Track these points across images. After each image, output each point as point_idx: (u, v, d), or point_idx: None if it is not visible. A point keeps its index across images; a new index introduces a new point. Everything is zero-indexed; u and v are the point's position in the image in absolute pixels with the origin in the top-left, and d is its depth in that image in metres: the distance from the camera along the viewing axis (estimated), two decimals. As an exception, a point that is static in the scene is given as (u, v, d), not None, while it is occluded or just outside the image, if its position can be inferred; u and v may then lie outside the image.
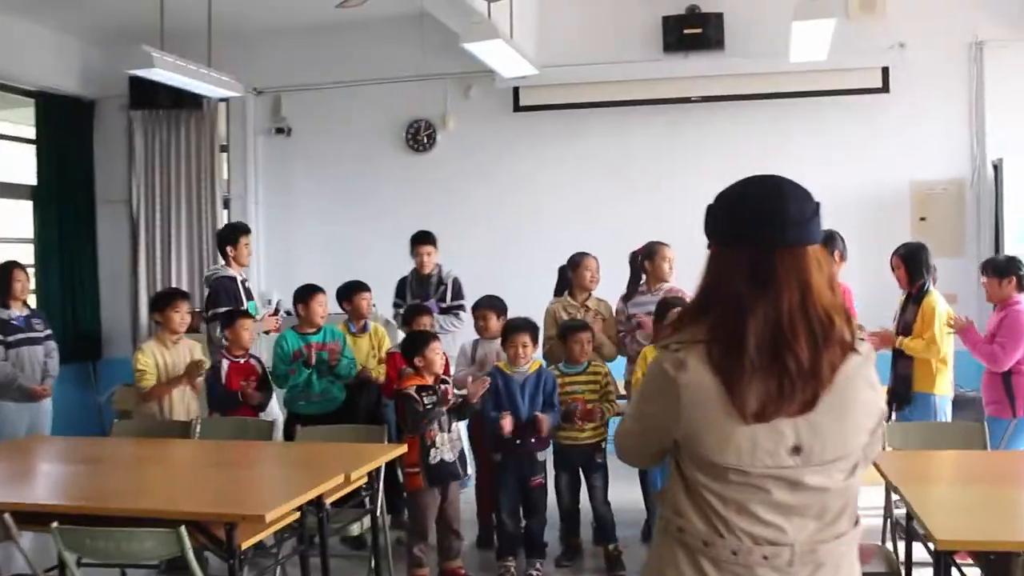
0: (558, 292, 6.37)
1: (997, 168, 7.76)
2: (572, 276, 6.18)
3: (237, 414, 5.66)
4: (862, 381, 2.07)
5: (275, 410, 6.11)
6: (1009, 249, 7.60)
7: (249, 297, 6.71)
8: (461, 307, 6.82)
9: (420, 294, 6.83)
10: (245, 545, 3.61)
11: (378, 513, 4.81)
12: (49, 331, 6.69)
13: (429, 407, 5.10)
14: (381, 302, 7.11)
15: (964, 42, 8.03)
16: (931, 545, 3.25)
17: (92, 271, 9.53)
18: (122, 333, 9.44)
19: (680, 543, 2.11)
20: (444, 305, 6.75)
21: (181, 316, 5.81)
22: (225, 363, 5.86)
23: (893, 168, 8.10)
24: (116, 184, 9.43)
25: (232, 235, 6.80)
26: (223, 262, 6.80)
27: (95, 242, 9.56)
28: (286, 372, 5.95)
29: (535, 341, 5.56)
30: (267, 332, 6.60)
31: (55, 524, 3.40)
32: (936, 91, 8.05)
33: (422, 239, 6.90)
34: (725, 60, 8.16)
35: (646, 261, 6.15)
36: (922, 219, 8.07)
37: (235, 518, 3.53)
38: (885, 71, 7.95)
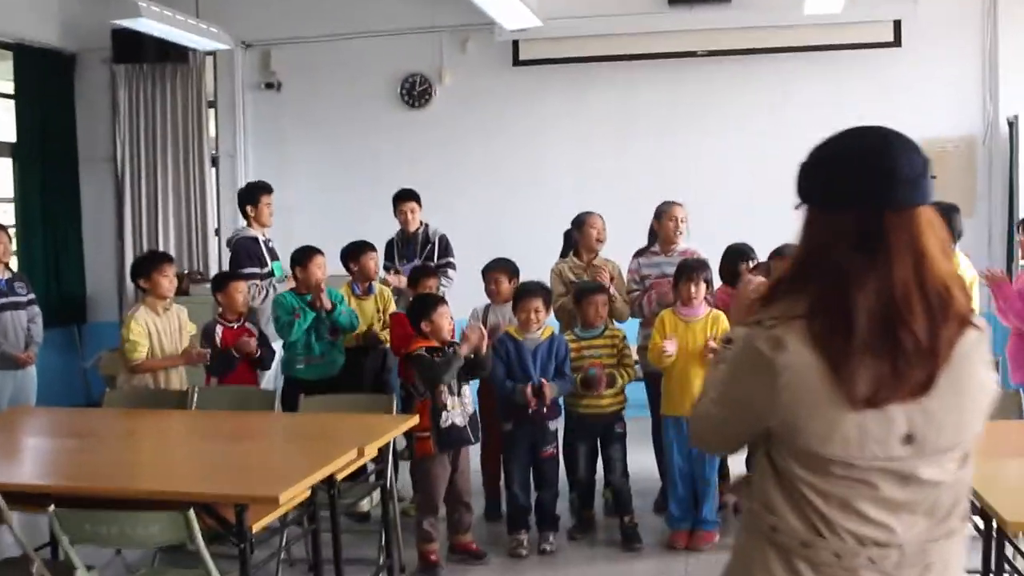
0: (564, 255, 6.10)
1: (1012, 125, 7.53)
2: (577, 236, 5.90)
3: (236, 380, 5.39)
4: (979, 359, 1.84)
5: (270, 379, 5.84)
6: (1022, 210, 7.40)
7: (274, 257, 6.44)
8: (450, 264, 6.56)
9: (406, 254, 6.56)
10: (256, 527, 3.35)
11: (388, 487, 4.55)
12: (32, 295, 6.39)
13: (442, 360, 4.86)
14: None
15: (978, -7, 7.77)
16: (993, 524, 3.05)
17: (76, 232, 9.17)
18: (108, 297, 9.12)
19: (772, 543, 1.88)
20: (432, 264, 6.47)
21: (169, 280, 5.49)
22: (219, 328, 5.57)
23: (903, 125, 7.30)
24: (100, 142, 9.05)
25: (252, 194, 6.54)
26: (244, 223, 6.56)
27: (79, 202, 9.18)
28: (290, 319, 5.63)
29: (548, 306, 5.30)
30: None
31: (52, 508, 3.13)
32: (949, 45, 7.80)
33: (404, 196, 6.61)
34: (732, 13, 7.86)
35: (654, 221, 5.87)
36: (932, 177, 7.77)
37: (246, 500, 3.27)
38: (897, 24, 7.68)
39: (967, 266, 5.71)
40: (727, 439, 2.06)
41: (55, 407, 6.05)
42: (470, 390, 5.03)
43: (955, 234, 5.75)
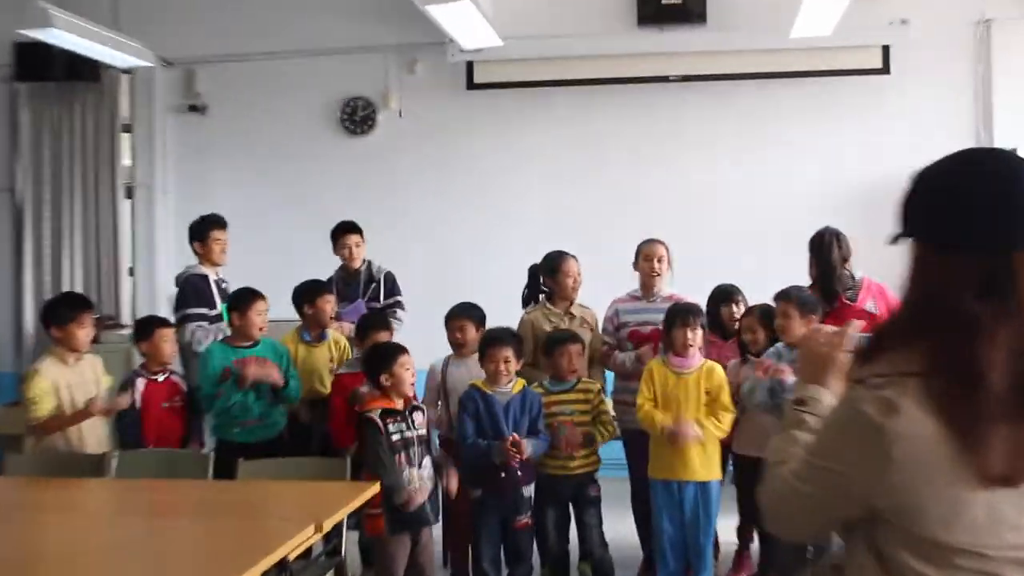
0: (530, 296, 5.83)
1: (1011, 159, 7.47)
2: (551, 282, 5.64)
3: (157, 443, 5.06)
4: None
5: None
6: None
7: (225, 299, 6.10)
8: (399, 304, 6.33)
9: (348, 295, 6.27)
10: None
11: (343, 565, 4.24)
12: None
13: (395, 436, 4.57)
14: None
15: (970, 20, 7.74)
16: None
17: (-33, 271, 8.72)
18: (3, 343, 8.63)
19: (878, 652, 1.65)
20: (378, 305, 6.20)
21: (87, 332, 5.13)
22: (140, 382, 5.23)
23: (893, 156, 7.74)
24: (-3, 169, 8.64)
25: (200, 229, 6.26)
26: (196, 260, 6.28)
27: (-30, 237, 8.74)
28: (213, 392, 5.30)
29: (519, 356, 5.05)
30: None
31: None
32: (940, 73, 7.76)
33: (346, 229, 6.37)
34: (707, 35, 7.74)
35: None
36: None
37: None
38: (886, 50, 7.62)
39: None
40: (814, 521, 1.84)
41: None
42: (431, 461, 4.74)
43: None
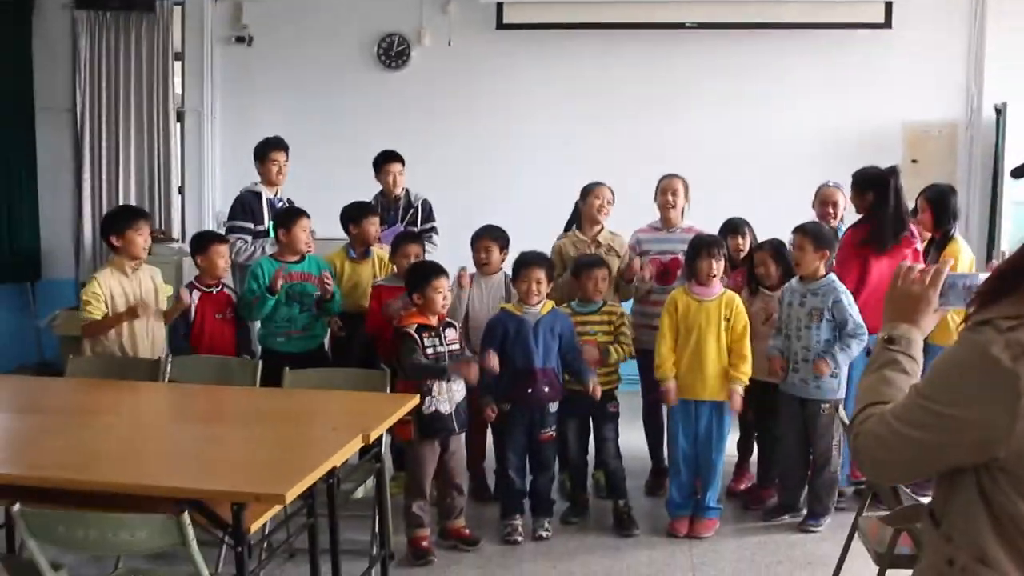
0: (571, 223, 5.53)
1: (1000, 112, 7.14)
2: (582, 204, 5.31)
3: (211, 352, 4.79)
4: None
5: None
6: (1007, 196, 7.05)
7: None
8: (434, 230, 6.00)
9: (387, 219, 5.95)
10: (254, 528, 2.77)
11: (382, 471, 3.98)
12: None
13: (430, 351, 4.31)
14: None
15: (968, -22, 7.36)
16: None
17: (31, 185, 8.33)
18: (64, 253, 8.32)
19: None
20: (416, 229, 5.89)
21: (144, 239, 4.79)
22: (196, 294, 4.94)
23: (888, 107, 7.43)
24: (58, 91, 8.21)
25: (260, 149, 5.97)
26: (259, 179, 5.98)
27: (34, 153, 8.34)
28: (248, 301, 5.00)
29: (550, 278, 4.76)
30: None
31: (18, 507, 2.53)
32: (937, 31, 7.39)
33: (391, 157, 6.01)
34: (722, -15, 7.34)
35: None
36: (914, 161, 7.42)
37: (248, 498, 2.68)
38: (888, 5, 7.22)
39: (966, 248, 5.34)
40: (919, 467, 1.55)
41: (9, 374, 5.32)
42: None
43: (954, 216, 5.37)
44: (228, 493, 2.71)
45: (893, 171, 4.97)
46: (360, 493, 3.93)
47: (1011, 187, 7.02)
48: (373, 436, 3.36)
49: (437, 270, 4.48)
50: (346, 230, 5.45)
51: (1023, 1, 7.28)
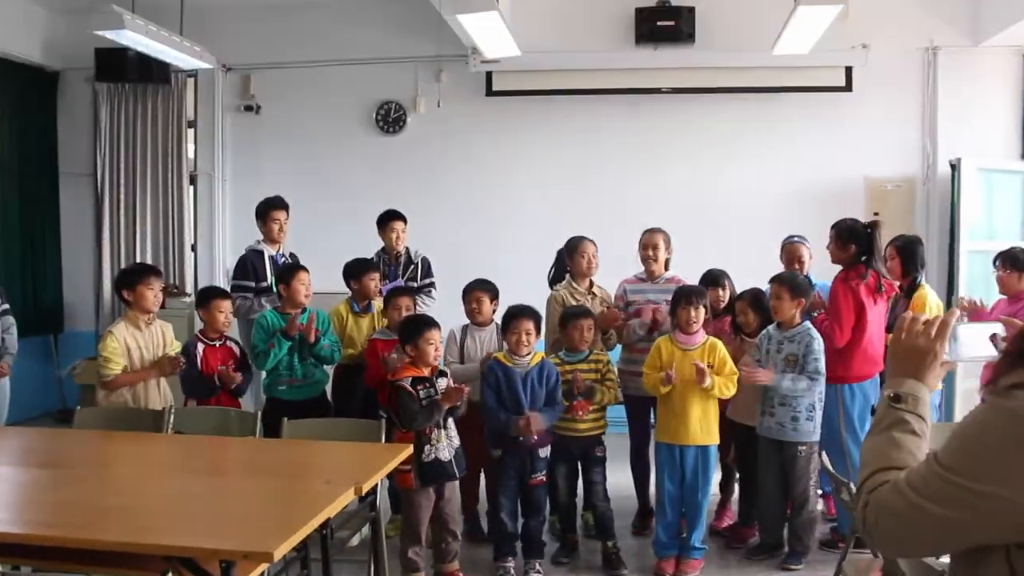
0: (556, 275, 5.30)
1: (955, 167, 6.97)
2: (570, 261, 5.09)
3: (213, 401, 4.52)
4: None
5: (248, 397, 4.97)
6: (963, 244, 6.86)
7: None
8: (432, 285, 5.77)
9: (389, 275, 5.73)
10: (247, 583, 2.51)
11: (377, 519, 3.70)
12: (6, 306, 5.44)
13: (425, 401, 4.05)
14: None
15: (920, 46, 7.22)
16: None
17: (55, 244, 8.15)
18: (85, 306, 8.11)
19: None
20: (416, 285, 5.66)
21: (155, 294, 4.57)
22: (200, 347, 4.68)
23: (851, 164, 7.27)
24: (80, 157, 8.05)
25: (261, 209, 5.77)
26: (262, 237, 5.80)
27: (58, 214, 8.16)
28: (265, 348, 4.75)
29: (538, 329, 4.51)
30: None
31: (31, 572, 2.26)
32: (894, 92, 7.24)
33: (394, 216, 5.78)
34: (695, 53, 7.19)
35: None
36: (875, 214, 7.21)
37: (236, 556, 2.42)
38: (848, 70, 7.10)
39: (933, 294, 5.12)
40: (940, 545, 1.30)
41: (35, 420, 5.04)
42: (453, 423, 4.21)
43: (921, 264, 5.15)
44: (217, 551, 2.44)
45: (875, 224, 4.72)
46: (356, 540, 3.66)
47: (968, 237, 6.84)
48: (366, 488, 3.09)
49: (429, 322, 4.24)
50: (348, 285, 5.23)
51: (972, 62, 7.15)
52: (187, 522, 2.75)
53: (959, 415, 5.75)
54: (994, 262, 5.03)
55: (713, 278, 5.05)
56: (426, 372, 4.14)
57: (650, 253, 5.04)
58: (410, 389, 4.05)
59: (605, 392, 4.54)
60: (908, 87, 7.24)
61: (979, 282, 6.84)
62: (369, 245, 5.92)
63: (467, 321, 4.91)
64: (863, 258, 4.60)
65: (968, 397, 6.13)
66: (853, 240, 4.64)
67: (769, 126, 7.30)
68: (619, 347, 5.09)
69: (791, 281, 4.50)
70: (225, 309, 4.75)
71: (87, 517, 2.76)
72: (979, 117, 7.17)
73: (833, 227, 4.75)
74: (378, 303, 5.24)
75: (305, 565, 2.93)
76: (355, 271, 5.18)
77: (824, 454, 3.79)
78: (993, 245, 6.85)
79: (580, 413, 4.48)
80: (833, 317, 4.53)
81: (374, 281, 5.17)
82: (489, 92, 7.39)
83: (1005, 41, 7.01)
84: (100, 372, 4.42)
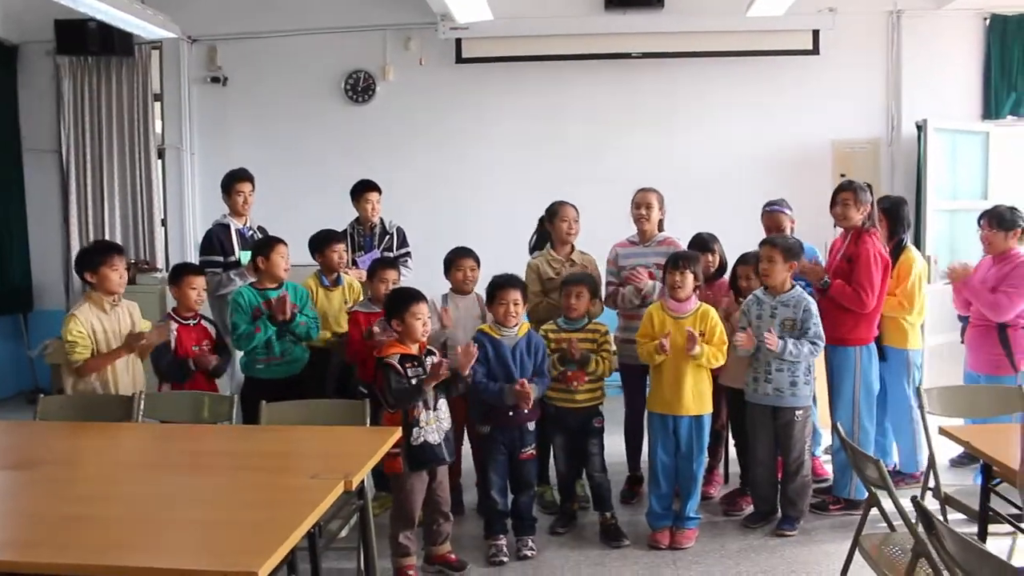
0: (538, 242, 4.84)
1: (921, 128, 6.61)
2: (550, 227, 4.62)
3: (189, 385, 4.03)
4: None
5: (226, 378, 4.47)
6: (930, 204, 6.52)
7: (245, 246, 5.02)
8: (408, 255, 5.31)
9: (364, 245, 5.26)
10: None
11: (367, 508, 3.26)
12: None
13: (414, 380, 3.59)
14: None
15: (885, 9, 6.84)
16: None
17: (21, 222, 7.50)
18: (54, 285, 7.50)
19: None
20: (391, 255, 5.18)
21: (119, 274, 3.99)
22: (173, 326, 4.17)
23: (818, 127, 6.91)
24: (44, 133, 7.40)
25: (225, 182, 5.21)
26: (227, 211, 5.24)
27: (23, 192, 7.51)
28: (250, 331, 4.25)
29: (525, 299, 4.06)
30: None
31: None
32: (859, 55, 6.88)
33: (368, 187, 5.30)
34: (664, 18, 6.75)
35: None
36: (842, 175, 6.86)
37: (216, 577, 1.97)
38: (816, 34, 6.68)
39: (919, 256, 4.74)
40: None
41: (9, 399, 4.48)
42: (446, 403, 3.76)
43: (907, 225, 4.78)
44: (196, 572, 1.98)
45: (869, 186, 4.33)
46: (344, 532, 3.21)
47: (934, 197, 6.50)
48: (355, 482, 2.64)
49: (416, 296, 3.74)
50: (314, 257, 4.72)
51: (935, 25, 6.79)
52: (160, 535, 2.26)
53: (928, 373, 5.45)
54: (979, 221, 4.66)
55: (702, 242, 4.62)
56: (414, 349, 3.68)
57: (643, 212, 4.57)
58: (398, 367, 3.59)
59: (600, 363, 4.11)
60: (873, 50, 6.87)
61: (944, 241, 6.55)
62: (342, 215, 5.44)
63: (445, 290, 4.45)
64: (870, 220, 4.22)
65: (936, 353, 5.81)
66: (868, 201, 4.24)
67: (738, 90, 6.90)
68: (615, 316, 4.65)
69: (785, 244, 4.09)
70: (197, 285, 4.23)
71: (45, 532, 2.28)
72: (942, 79, 6.83)
73: (847, 188, 4.29)
74: (349, 277, 4.76)
75: (293, 568, 2.47)
76: (318, 243, 4.67)
77: (839, 424, 3.41)
78: (957, 204, 6.57)
79: (575, 384, 4.05)
80: (865, 278, 4.12)
81: (336, 253, 4.65)
82: (459, 59, 6.86)
83: (967, 4, 6.68)
84: (68, 358, 3.89)
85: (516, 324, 3.98)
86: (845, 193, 4.28)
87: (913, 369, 4.59)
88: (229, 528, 2.28)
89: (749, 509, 4.36)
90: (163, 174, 7.42)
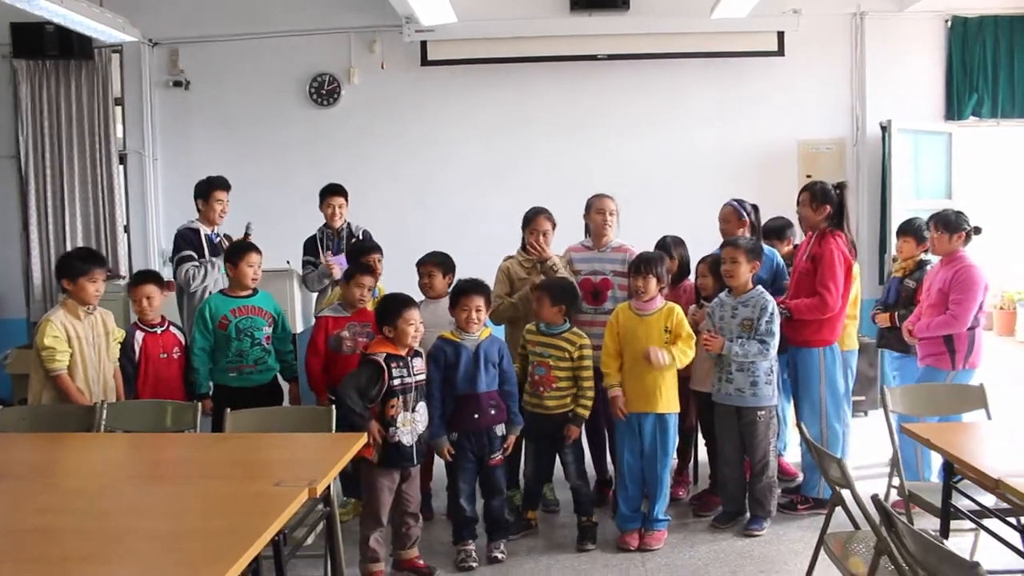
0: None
1: (885, 128, 6.73)
2: (525, 233, 4.62)
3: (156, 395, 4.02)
4: None
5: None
6: (896, 205, 6.65)
7: (215, 254, 5.01)
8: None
9: (334, 250, 5.28)
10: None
11: (333, 514, 3.27)
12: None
13: (397, 381, 3.64)
14: (293, 261, 5.58)
15: (848, 11, 6.95)
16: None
17: (-22, 229, 7.42)
18: (15, 293, 7.37)
19: None
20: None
21: (97, 286, 4.00)
22: (139, 334, 4.15)
23: (783, 127, 7.00)
24: (1, 139, 7.29)
25: (203, 189, 5.14)
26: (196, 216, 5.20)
27: (-20, 199, 7.42)
28: (204, 368, 4.26)
29: (488, 305, 4.07)
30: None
31: None
32: (824, 56, 6.98)
33: (334, 191, 5.34)
34: (629, 20, 6.79)
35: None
36: (808, 176, 6.95)
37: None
38: (780, 35, 6.77)
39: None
40: None
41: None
42: (425, 407, 3.79)
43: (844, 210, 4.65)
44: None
45: (844, 186, 4.42)
46: (311, 539, 3.21)
47: (899, 195, 6.62)
48: (320, 488, 2.65)
49: (408, 303, 3.75)
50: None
51: (897, 26, 6.91)
52: (123, 546, 2.25)
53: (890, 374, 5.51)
54: (926, 224, 4.76)
55: (664, 247, 4.68)
56: (402, 352, 3.70)
57: (606, 219, 4.60)
58: (382, 364, 3.61)
59: (579, 408, 4.10)
60: (838, 51, 6.97)
61: (909, 239, 6.64)
62: (305, 221, 5.47)
63: (417, 293, 4.45)
64: (835, 220, 4.30)
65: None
66: (827, 202, 4.32)
67: (704, 91, 6.97)
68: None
69: (747, 245, 4.16)
70: (152, 294, 4.22)
71: (8, 545, 2.26)
72: (905, 80, 6.95)
73: (806, 189, 4.42)
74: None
75: (257, 573, 2.47)
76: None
77: (804, 425, 3.46)
78: (921, 204, 6.69)
79: (542, 390, 4.08)
80: (829, 279, 4.19)
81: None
82: (424, 62, 6.86)
83: (929, 7, 6.81)
84: (47, 366, 3.86)
85: (478, 330, 3.98)
86: (803, 195, 4.39)
87: (847, 369, 4.61)
88: (192, 538, 2.28)
89: (719, 509, 4.41)
90: (125, 180, 7.34)
